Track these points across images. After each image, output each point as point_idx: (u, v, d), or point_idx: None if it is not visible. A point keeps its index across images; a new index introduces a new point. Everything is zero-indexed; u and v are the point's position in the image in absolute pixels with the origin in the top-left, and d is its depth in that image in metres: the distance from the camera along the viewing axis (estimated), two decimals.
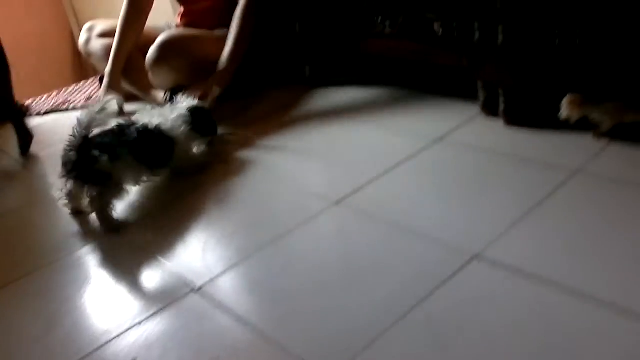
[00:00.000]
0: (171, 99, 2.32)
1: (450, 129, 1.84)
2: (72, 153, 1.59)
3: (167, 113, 1.82)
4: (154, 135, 1.72)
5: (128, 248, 1.54)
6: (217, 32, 2.44)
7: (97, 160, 1.56)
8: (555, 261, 1.20)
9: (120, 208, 1.68)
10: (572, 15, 1.56)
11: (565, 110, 1.60)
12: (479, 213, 1.41)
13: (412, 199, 1.52)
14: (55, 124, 2.65)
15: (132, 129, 1.68)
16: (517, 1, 1.63)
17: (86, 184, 1.60)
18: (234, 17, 2.31)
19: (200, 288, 1.31)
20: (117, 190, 1.63)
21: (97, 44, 2.60)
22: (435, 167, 1.66)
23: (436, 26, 1.90)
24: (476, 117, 1.88)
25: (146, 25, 2.58)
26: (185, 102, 1.90)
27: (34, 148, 2.35)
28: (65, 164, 1.61)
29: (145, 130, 1.70)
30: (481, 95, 1.85)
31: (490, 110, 1.84)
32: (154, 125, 1.73)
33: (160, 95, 2.47)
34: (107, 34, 2.58)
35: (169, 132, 1.75)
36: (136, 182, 1.70)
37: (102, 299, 1.36)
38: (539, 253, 1.24)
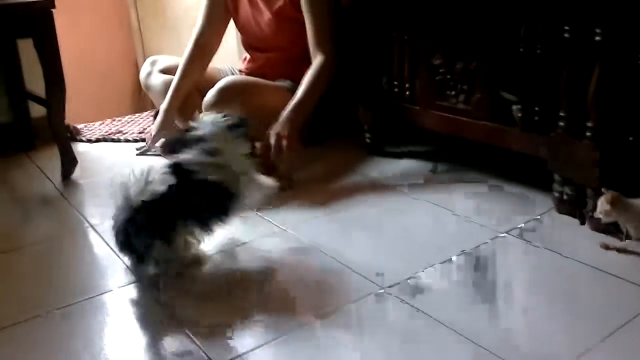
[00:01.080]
0: None
1: (517, 223, 1.66)
2: (119, 232, 1.46)
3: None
4: (214, 191, 1.53)
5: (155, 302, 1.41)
6: (279, 83, 2.37)
7: (150, 248, 1.44)
8: None
9: None
10: None
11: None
12: (555, 328, 1.23)
13: (465, 300, 1.35)
14: (103, 153, 2.60)
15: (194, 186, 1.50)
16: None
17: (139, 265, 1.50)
18: (310, 69, 2.22)
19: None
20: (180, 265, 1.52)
21: (157, 79, 2.55)
22: (498, 264, 1.48)
23: (514, 108, 1.76)
24: (550, 213, 1.70)
25: (209, 66, 2.53)
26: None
27: (77, 174, 2.28)
28: (115, 235, 1.48)
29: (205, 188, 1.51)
30: (558, 189, 1.68)
31: (569, 209, 1.67)
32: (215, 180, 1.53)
33: None
34: (169, 70, 2.54)
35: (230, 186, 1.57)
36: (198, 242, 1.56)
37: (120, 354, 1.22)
38: None
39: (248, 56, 2.55)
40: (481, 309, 1.31)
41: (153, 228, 1.44)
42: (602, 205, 1.47)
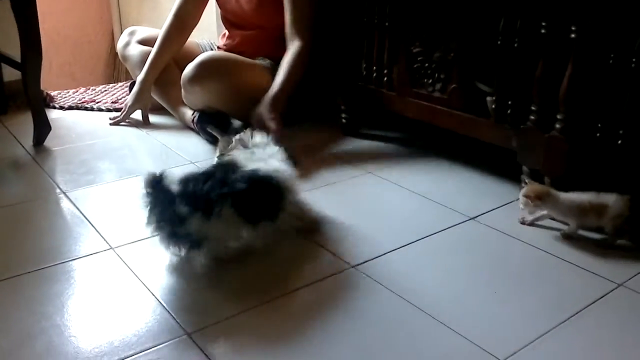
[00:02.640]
0: (202, 123, 2.25)
1: (486, 209, 1.72)
2: (155, 207, 1.38)
3: (263, 155, 1.57)
4: (264, 185, 1.45)
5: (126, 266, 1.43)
6: (259, 61, 2.37)
7: (184, 221, 1.34)
8: None
9: None
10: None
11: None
12: (512, 312, 1.28)
13: (434, 281, 1.40)
14: (76, 121, 2.57)
15: (239, 175, 1.42)
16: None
17: (173, 245, 1.40)
18: (288, 54, 2.25)
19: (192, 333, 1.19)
20: (213, 251, 1.41)
21: (135, 50, 2.53)
22: (464, 249, 1.54)
23: (489, 100, 1.80)
24: (516, 202, 1.76)
25: (188, 40, 2.52)
26: (260, 139, 1.66)
27: (49, 141, 2.26)
28: (149, 212, 1.40)
29: (255, 178, 1.43)
30: (525, 179, 1.74)
31: None
32: (265, 172, 1.46)
33: (188, 113, 2.39)
34: (148, 41, 2.52)
35: (280, 180, 1.50)
36: (236, 240, 1.46)
37: (83, 321, 1.24)
38: None
39: (227, 32, 2.55)
40: (445, 290, 1.36)
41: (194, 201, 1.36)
42: (528, 197, 1.55)
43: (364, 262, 1.45)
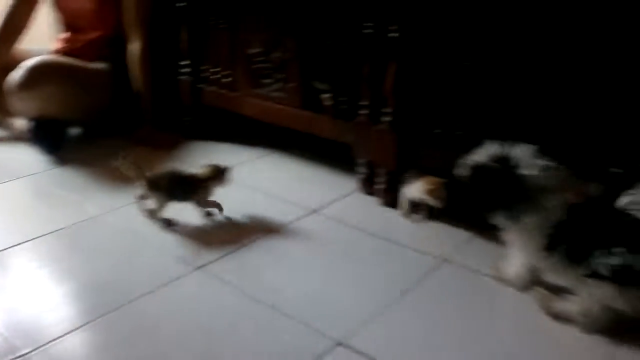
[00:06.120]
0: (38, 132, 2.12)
1: (326, 202, 1.81)
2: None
3: None
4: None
5: None
6: (97, 65, 2.29)
7: None
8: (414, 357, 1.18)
9: None
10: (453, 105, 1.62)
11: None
12: (346, 295, 1.36)
13: (278, 272, 1.45)
14: None
15: None
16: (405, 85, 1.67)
17: None
18: (131, 56, 2.25)
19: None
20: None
21: None
22: (304, 241, 1.60)
23: (325, 97, 1.89)
24: (354, 193, 1.87)
25: (18, 47, 2.37)
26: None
27: None
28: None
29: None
30: (361, 171, 1.85)
31: (369, 188, 1.84)
32: None
33: (18, 122, 2.25)
34: None
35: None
36: None
37: None
38: (400, 344, 1.21)
39: (64, 35, 2.43)
40: (286, 277, 1.42)
41: None
42: (421, 187, 1.65)
43: (209, 263, 1.47)
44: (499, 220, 1.32)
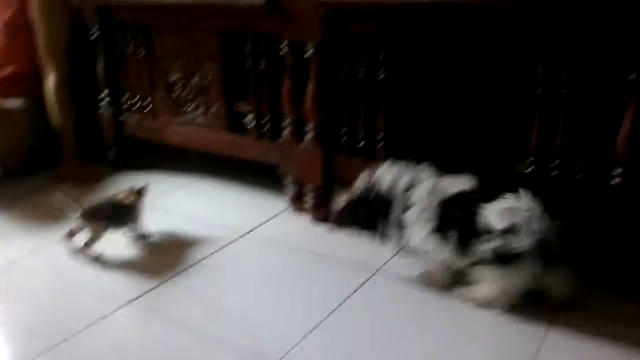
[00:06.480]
0: None
1: (257, 223, 1.80)
2: None
3: None
4: None
5: None
6: (12, 103, 2.21)
7: None
8: None
9: None
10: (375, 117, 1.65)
11: None
12: (283, 315, 1.36)
13: (211, 299, 1.43)
14: None
15: None
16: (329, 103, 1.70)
17: None
18: (47, 90, 2.19)
19: None
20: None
21: None
22: (238, 264, 1.59)
23: (248, 119, 1.89)
24: (284, 212, 1.87)
25: None
26: None
27: None
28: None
29: None
30: (290, 190, 1.86)
31: (299, 205, 1.85)
32: None
33: None
34: None
35: None
36: None
37: None
38: (338, 358, 1.21)
39: None
40: (221, 302, 1.41)
41: None
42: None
43: (140, 296, 1.44)
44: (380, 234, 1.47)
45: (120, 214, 1.65)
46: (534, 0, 1.33)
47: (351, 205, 1.51)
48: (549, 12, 1.32)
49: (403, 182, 1.44)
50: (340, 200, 1.55)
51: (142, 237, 1.69)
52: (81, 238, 1.61)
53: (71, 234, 1.62)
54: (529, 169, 1.45)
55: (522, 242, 1.26)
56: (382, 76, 1.59)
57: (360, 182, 1.50)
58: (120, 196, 1.68)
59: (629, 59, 1.27)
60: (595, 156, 1.38)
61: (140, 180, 2.11)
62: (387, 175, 1.46)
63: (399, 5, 1.49)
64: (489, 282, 1.34)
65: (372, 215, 1.47)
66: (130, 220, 1.67)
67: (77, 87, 2.27)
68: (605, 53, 1.30)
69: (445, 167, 1.46)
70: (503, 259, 1.28)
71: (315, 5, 1.60)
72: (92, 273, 1.56)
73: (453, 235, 1.35)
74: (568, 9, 1.30)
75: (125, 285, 1.49)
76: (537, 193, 1.32)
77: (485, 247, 1.29)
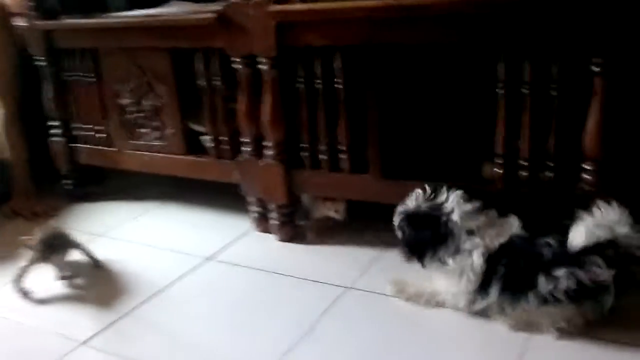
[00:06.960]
0: None
1: (221, 246, 1.72)
2: None
3: None
4: None
5: None
6: None
7: None
8: None
9: None
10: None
11: None
12: (253, 342, 1.29)
13: (174, 332, 1.35)
14: None
15: None
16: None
17: None
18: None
19: None
20: None
21: None
22: (201, 292, 1.52)
23: (205, 139, 1.82)
24: (249, 233, 1.79)
25: None
26: None
27: None
28: None
29: None
30: (253, 209, 1.79)
31: (264, 225, 1.78)
32: None
33: None
34: None
35: None
36: None
37: None
38: None
39: None
40: (186, 335, 1.33)
41: None
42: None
43: (95, 335, 1.35)
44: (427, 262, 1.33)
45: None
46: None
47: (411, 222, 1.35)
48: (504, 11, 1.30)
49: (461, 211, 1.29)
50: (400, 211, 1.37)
51: (96, 266, 1.63)
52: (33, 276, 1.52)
53: (21, 273, 1.53)
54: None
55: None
56: (340, 86, 1.54)
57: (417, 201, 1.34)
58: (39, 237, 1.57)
59: (589, 48, 1.24)
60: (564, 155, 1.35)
61: (100, 212, 2.05)
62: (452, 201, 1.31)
63: (350, 12, 1.45)
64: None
65: (433, 236, 1.31)
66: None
67: (29, 118, 2.18)
68: (565, 46, 1.28)
69: (410, 173, 1.40)
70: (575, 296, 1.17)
71: (266, 17, 1.55)
72: (41, 312, 1.47)
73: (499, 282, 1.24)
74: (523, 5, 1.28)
75: (81, 322, 1.40)
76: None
77: (552, 286, 1.17)
